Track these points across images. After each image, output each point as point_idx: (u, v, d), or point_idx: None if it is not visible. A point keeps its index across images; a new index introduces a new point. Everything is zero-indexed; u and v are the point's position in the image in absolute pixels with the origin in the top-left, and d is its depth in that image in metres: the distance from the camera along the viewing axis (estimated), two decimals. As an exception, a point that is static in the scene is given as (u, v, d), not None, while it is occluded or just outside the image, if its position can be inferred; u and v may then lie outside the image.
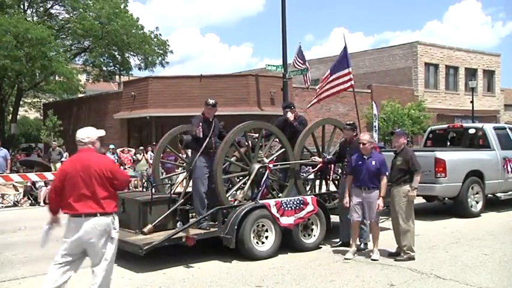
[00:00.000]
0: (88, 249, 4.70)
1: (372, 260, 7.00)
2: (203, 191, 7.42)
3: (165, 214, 7.30)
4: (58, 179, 4.79)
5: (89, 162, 4.71)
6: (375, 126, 20.62)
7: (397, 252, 7.21)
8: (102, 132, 5.06)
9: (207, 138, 7.43)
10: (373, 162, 7.10)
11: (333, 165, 8.75)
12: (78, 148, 4.90)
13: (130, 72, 35.34)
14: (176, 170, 10.91)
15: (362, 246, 7.62)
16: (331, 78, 12.15)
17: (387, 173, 7.13)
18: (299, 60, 21.27)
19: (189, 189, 8.33)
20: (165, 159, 12.02)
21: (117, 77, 37.63)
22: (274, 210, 7.30)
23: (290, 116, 8.56)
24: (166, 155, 12.34)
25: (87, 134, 4.90)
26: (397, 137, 7.41)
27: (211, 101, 7.66)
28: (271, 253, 7.25)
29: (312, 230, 7.86)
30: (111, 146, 19.38)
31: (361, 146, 7.21)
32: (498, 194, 11.77)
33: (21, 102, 34.22)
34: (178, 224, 7.38)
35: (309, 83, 22.16)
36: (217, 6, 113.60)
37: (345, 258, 7.09)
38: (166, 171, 14.49)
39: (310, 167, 9.17)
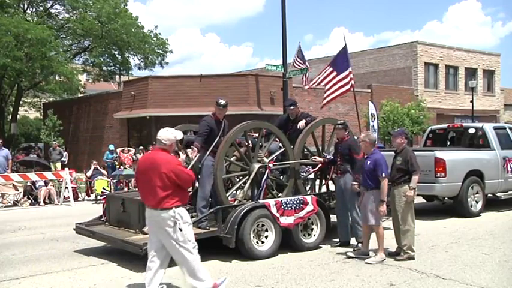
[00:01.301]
0: (158, 236, 5.26)
1: (365, 263, 6.87)
2: (209, 190, 7.42)
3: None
4: (135, 172, 5.53)
5: (159, 163, 5.14)
6: (373, 126, 20.57)
7: (397, 251, 7.21)
8: (181, 135, 5.44)
9: (217, 138, 7.42)
10: (368, 162, 7.09)
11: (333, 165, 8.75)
12: (156, 145, 5.35)
13: (130, 72, 35.34)
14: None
15: (358, 245, 7.58)
16: (336, 80, 12.16)
17: (383, 174, 6.88)
18: (299, 60, 21.21)
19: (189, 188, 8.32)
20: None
21: (117, 76, 37.62)
22: (274, 210, 7.29)
23: (302, 124, 8.42)
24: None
25: (168, 136, 5.27)
26: (394, 137, 7.45)
27: (222, 102, 7.58)
28: (271, 253, 7.24)
29: (312, 229, 7.85)
30: (111, 146, 19.39)
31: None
32: (498, 194, 11.79)
33: (21, 102, 34.21)
34: (178, 223, 7.36)
35: (308, 83, 22.07)
36: (217, 6, 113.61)
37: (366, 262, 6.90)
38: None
39: (310, 167, 9.17)
